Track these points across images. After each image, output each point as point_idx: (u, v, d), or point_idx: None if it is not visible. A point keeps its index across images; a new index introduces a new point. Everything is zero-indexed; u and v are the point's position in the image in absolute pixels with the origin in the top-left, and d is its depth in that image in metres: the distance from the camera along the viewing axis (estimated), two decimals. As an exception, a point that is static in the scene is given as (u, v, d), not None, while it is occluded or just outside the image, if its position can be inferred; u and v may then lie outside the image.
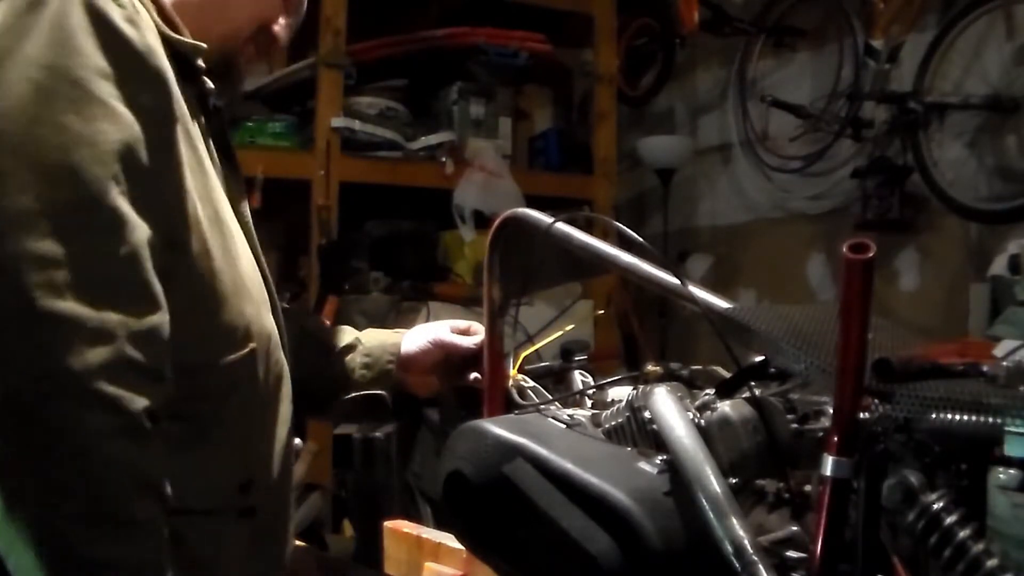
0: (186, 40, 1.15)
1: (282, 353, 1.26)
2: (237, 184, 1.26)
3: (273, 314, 1.25)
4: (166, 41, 1.11)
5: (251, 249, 1.24)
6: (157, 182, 1.04)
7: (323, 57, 3.51)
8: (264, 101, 3.73)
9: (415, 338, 1.49)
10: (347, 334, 1.51)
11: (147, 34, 1.06)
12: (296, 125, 3.60)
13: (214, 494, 1.12)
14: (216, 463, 1.12)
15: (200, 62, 1.18)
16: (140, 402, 0.95)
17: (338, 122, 3.51)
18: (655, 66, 4.58)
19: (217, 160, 1.21)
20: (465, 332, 1.48)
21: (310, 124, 3.56)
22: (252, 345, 1.16)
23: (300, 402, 1.30)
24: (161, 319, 1.00)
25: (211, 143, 1.20)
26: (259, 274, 1.24)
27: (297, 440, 1.33)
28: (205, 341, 1.12)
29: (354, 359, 1.48)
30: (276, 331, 1.25)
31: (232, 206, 1.22)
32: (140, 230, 0.99)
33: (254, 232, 1.26)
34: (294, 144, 3.58)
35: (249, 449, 1.17)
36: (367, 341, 1.50)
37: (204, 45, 1.17)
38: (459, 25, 3.69)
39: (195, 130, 1.15)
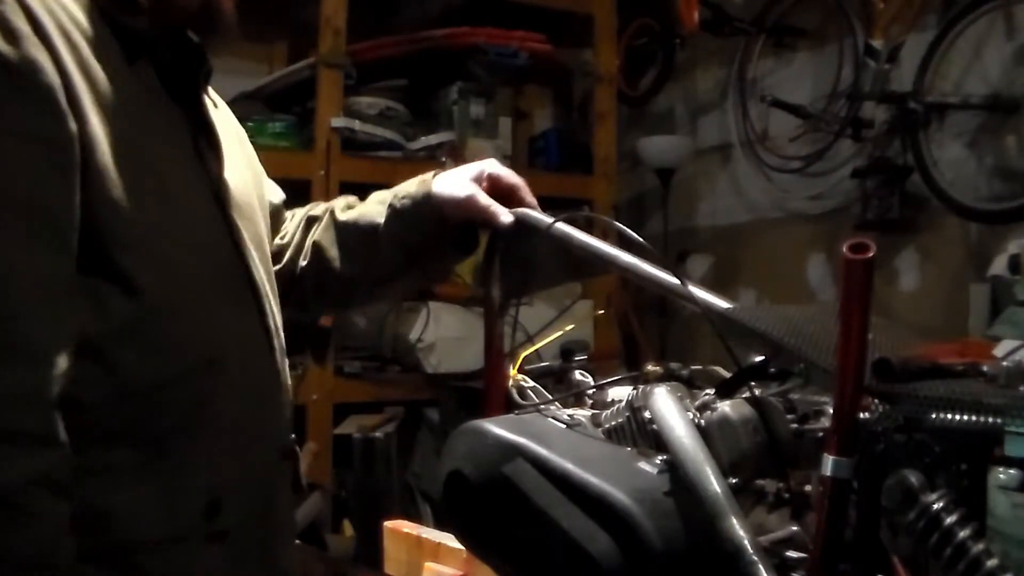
0: (126, 19, 1.05)
1: (272, 360, 1.15)
2: (216, 164, 1.14)
3: (261, 315, 1.15)
4: (111, 20, 1.03)
5: (235, 243, 1.13)
6: (69, 205, 0.94)
7: (323, 57, 3.51)
8: (264, 101, 3.73)
9: (451, 183, 1.37)
10: (377, 209, 1.38)
11: (27, 45, 0.93)
12: (296, 125, 3.60)
13: (175, 521, 1.02)
14: (176, 487, 1.02)
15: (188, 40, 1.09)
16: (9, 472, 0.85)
17: (338, 122, 3.51)
18: (655, 66, 4.58)
19: (188, 144, 1.11)
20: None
21: (310, 124, 3.56)
22: (218, 357, 1.06)
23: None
24: (42, 378, 0.89)
25: (179, 123, 1.10)
26: (240, 272, 1.13)
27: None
28: (154, 359, 1.01)
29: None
30: (261, 335, 1.14)
31: (216, 193, 1.12)
32: (18, 275, 0.89)
33: (237, 225, 1.14)
34: (294, 144, 3.58)
35: (217, 470, 1.06)
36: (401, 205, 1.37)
37: (143, 17, 1.06)
38: (459, 25, 3.69)
39: (144, 120, 1.04)
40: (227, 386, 1.06)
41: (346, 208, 1.42)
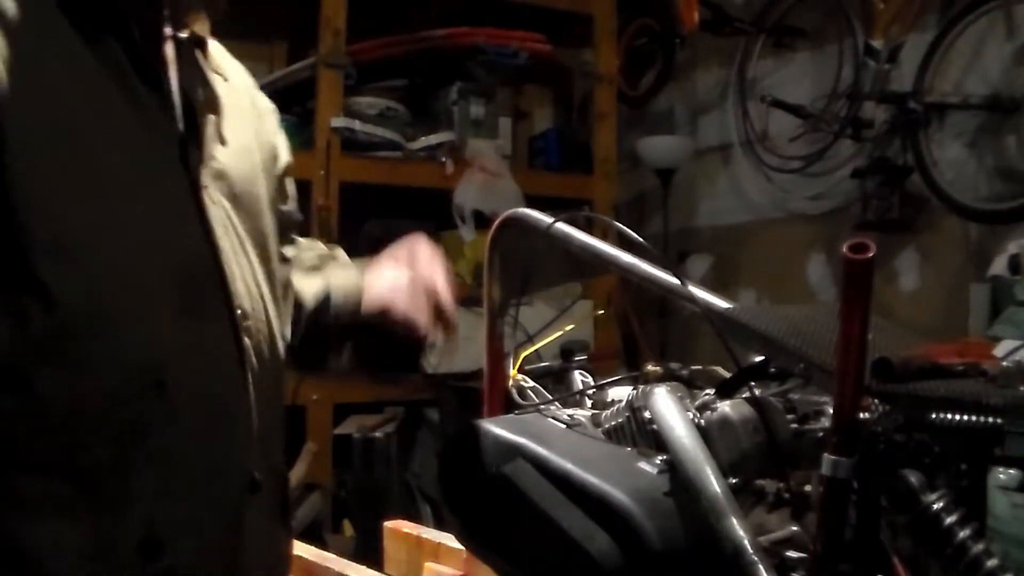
0: None
1: (241, 378, 1.01)
2: (201, 150, 1.03)
3: (233, 327, 1.01)
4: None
5: (209, 243, 1.00)
6: None
7: (323, 57, 3.51)
8: (264, 101, 3.73)
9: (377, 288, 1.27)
10: (312, 291, 1.28)
11: None
12: (296, 125, 3.59)
13: (106, 561, 0.92)
14: (107, 525, 0.91)
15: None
16: None
17: (338, 122, 3.51)
18: (655, 66, 4.58)
19: (163, 129, 1.00)
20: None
21: (310, 124, 3.56)
22: (159, 379, 0.93)
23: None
24: None
25: (151, 107, 0.99)
26: (208, 276, 1.00)
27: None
28: (77, 381, 0.89)
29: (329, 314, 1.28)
30: (228, 350, 1.00)
31: (195, 185, 1.01)
32: None
33: (215, 221, 1.01)
34: (294, 144, 3.54)
35: (159, 507, 0.94)
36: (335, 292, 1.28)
37: None
38: (459, 25, 3.69)
39: (93, 108, 0.93)
40: (172, 412, 0.94)
41: (313, 269, 1.32)
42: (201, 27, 1.08)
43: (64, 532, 0.90)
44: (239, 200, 1.06)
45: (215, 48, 1.14)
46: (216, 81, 1.10)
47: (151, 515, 0.93)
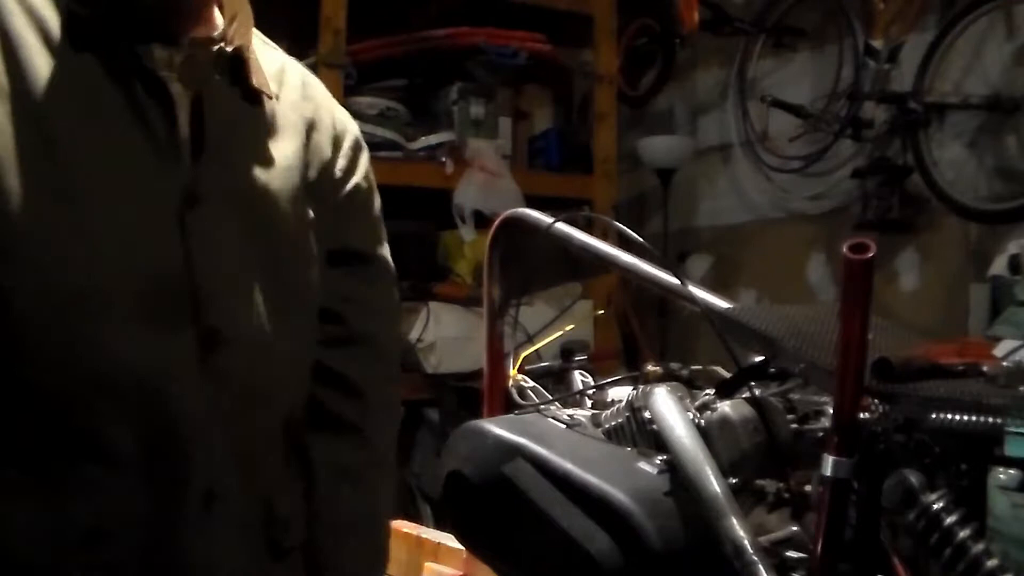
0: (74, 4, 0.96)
1: (199, 389, 0.99)
2: (198, 161, 1.01)
3: (201, 339, 0.99)
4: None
5: (187, 257, 0.98)
6: None
7: (323, 57, 3.51)
8: (264, 101, 3.73)
9: None
10: None
11: None
12: (296, 125, 3.59)
13: (54, 544, 0.95)
14: (56, 510, 0.94)
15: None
16: None
17: (338, 122, 3.51)
18: (655, 66, 4.58)
19: (158, 137, 0.99)
20: None
21: (310, 124, 3.56)
22: (111, 382, 0.94)
23: None
24: None
25: (147, 115, 0.98)
26: (180, 286, 0.98)
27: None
28: (33, 378, 0.93)
29: None
30: (191, 361, 0.98)
31: (188, 194, 0.99)
32: None
33: (195, 234, 0.99)
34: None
35: (106, 500, 0.96)
36: None
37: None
38: (459, 25, 3.69)
39: (74, 113, 0.94)
40: (123, 414, 0.95)
41: None
42: (242, 37, 1.06)
43: (19, 514, 0.94)
44: (257, 219, 1.05)
45: (272, 63, 1.13)
46: (250, 97, 1.07)
47: (96, 508, 0.95)
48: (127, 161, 0.97)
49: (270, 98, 1.09)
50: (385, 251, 1.25)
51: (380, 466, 1.23)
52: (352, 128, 1.21)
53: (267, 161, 1.07)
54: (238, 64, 1.06)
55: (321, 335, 1.16)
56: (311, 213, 1.12)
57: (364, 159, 1.23)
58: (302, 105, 1.14)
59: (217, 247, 1.01)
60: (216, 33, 1.05)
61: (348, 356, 1.18)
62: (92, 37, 0.96)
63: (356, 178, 1.20)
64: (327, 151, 1.15)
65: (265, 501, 1.08)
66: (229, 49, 1.04)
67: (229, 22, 1.07)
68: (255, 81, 1.07)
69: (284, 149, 1.10)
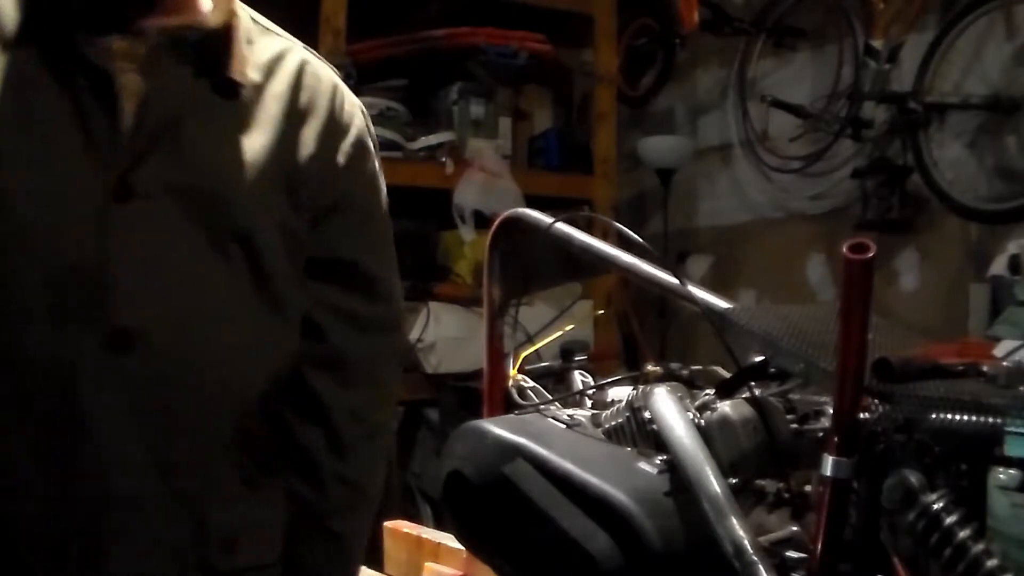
0: None
1: (91, 393, 0.94)
2: (130, 154, 0.97)
3: (110, 338, 0.95)
4: None
5: (102, 251, 0.95)
6: None
7: (323, 57, 3.51)
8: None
9: None
10: None
11: None
12: (296, 125, 3.59)
13: None
14: None
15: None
16: None
17: (338, 122, 3.51)
18: (655, 66, 4.58)
19: (92, 129, 0.96)
20: None
21: (310, 124, 3.55)
22: (14, 375, 0.94)
23: None
24: None
25: (82, 106, 0.96)
26: (90, 285, 0.95)
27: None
28: None
29: None
30: (87, 354, 0.94)
31: (121, 185, 0.96)
32: None
33: (116, 228, 0.96)
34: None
35: (8, 497, 0.95)
36: None
37: None
38: (459, 25, 3.69)
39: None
40: (17, 412, 0.94)
41: None
42: (217, 24, 1.03)
43: None
44: (207, 215, 1.00)
45: (267, 51, 1.08)
46: (222, 88, 1.03)
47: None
48: (55, 158, 0.95)
49: (243, 87, 1.04)
50: (388, 261, 1.16)
51: (356, 526, 1.16)
52: (358, 123, 1.14)
53: (231, 155, 1.02)
54: (209, 53, 1.02)
55: (303, 349, 1.09)
56: (285, 211, 1.05)
57: (368, 159, 1.15)
58: (292, 95, 1.07)
59: (143, 243, 0.97)
60: (194, 21, 1.01)
61: (325, 377, 1.10)
62: (38, 30, 0.95)
63: (354, 178, 1.12)
64: (317, 146, 1.08)
65: (195, 514, 1.01)
66: (195, 38, 1.01)
67: (213, 10, 1.03)
68: (230, 71, 1.03)
69: (255, 143, 1.04)
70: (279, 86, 1.07)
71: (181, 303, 0.99)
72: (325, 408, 1.10)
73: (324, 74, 1.13)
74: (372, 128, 1.18)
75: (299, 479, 1.10)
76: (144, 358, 0.96)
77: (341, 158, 1.11)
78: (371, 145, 1.16)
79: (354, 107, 1.15)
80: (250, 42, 1.07)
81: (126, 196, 0.96)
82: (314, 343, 1.09)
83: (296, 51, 1.12)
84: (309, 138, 1.08)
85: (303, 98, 1.09)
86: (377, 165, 1.18)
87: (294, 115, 1.07)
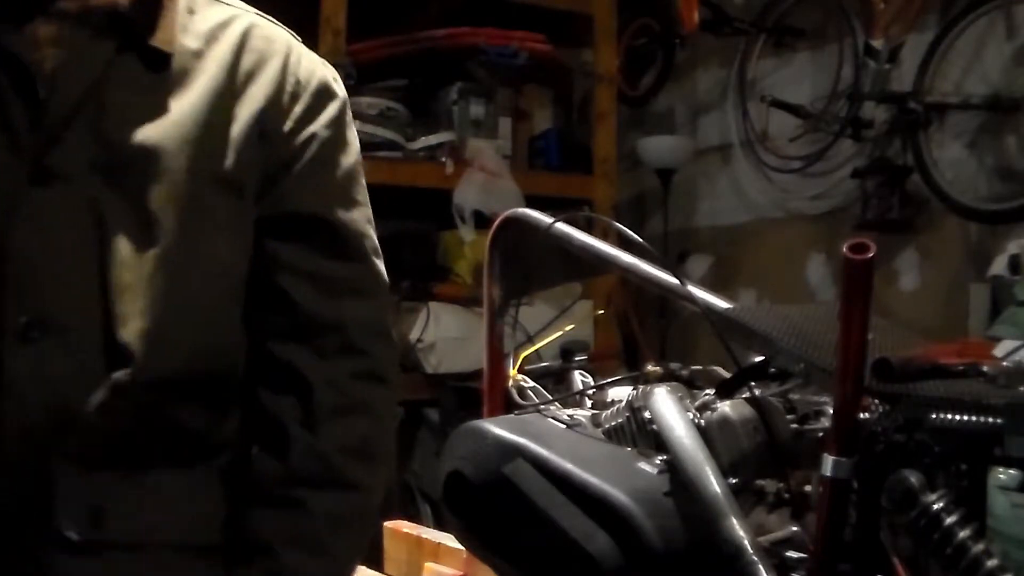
0: None
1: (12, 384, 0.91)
2: (42, 128, 0.94)
3: (25, 326, 0.92)
4: None
5: (7, 230, 0.92)
6: None
7: (323, 57, 3.51)
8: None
9: None
10: None
11: None
12: (296, 125, 3.59)
13: None
14: None
15: None
16: None
17: (338, 122, 3.51)
18: (655, 66, 4.58)
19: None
20: None
21: (310, 124, 3.55)
22: None
23: None
24: None
25: None
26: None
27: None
28: None
29: None
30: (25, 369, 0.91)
31: (35, 162, 0.93)
32: None
33: (22, 206, 0.93)
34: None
35: None
36: None
37: None
38: (459, 25, 3.69)
39: None
40: None
41: None
42: None
43: None
44: (138, 191, 0.96)
45: (209, 20, 1.04)
46: (150, 60, 0.99)
47: None
48: None
49: (170, 55, 1.00)
50: (356, 215, 1.09)
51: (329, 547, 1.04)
52: (319, 78, 1.09)
53: (160, 125, 0.98)
54: (134, 26, 0.99)
55: (267, 325, 1.03)
56: (228, 172, 1.00)
57: (331, 109, 1.09)
58: (235, 58, 1.03)
59: (59, 227, 0.94)
60: None
61: (298, 349, 1.03)
62: None
63: (313, 128, 1.06)
64: (268, 102, 1.04)
65: (93, 510, 0.95)
66: (116, 12, 0.97)
67: None
68: (155, 41, 0.99)
69: (191, 108, 1.00)
70: (221, 50, 1.04)
71: (91, 286, 0.94)
72: (301, 378, 1.02)
73: (278, 35, 1.09)
74: (342, 88, 1.13)
75: (265, 453, 1.02)
76: (49, 346, 0.92)
77: (298, 112, 1.06)
78: (338, 103, 1.10)
79: (314, 63, 1.10)
80: (191, 12, 1.04)
81: (44, 179, 0.93)
82: (282, 315, 1.03)
83: (244, 17, 1.08)
84: (257, 96, 1.04)
85: (248, 59, 1.05)
86: (347, 120, 1.11)
87: (238, 75, 1.03)
